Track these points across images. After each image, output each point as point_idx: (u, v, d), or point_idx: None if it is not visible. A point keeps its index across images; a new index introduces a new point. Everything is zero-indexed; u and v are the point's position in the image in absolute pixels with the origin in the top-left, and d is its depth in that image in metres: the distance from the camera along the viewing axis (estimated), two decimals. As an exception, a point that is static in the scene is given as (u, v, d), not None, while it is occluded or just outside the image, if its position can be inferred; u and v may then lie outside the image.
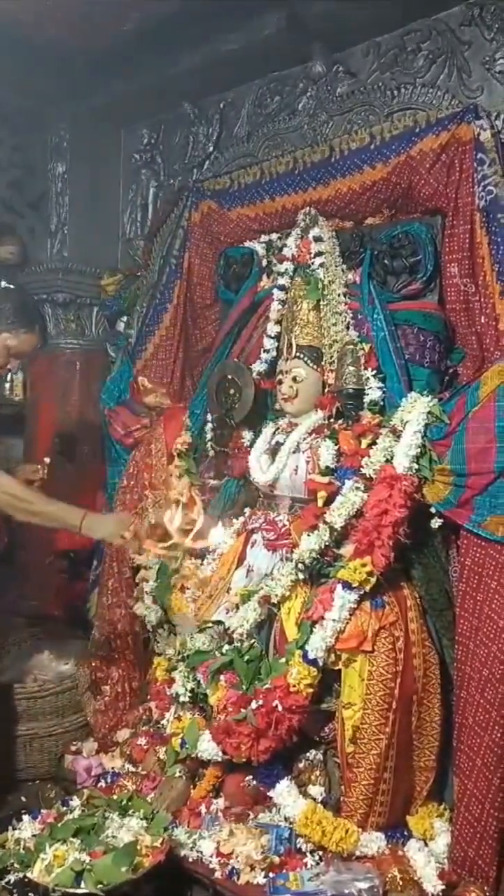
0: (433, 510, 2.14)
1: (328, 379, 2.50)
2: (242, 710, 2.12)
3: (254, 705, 2.11)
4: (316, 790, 2.17)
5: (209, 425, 2.89)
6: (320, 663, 2.10)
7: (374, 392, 2.36)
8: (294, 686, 2.08)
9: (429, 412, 2.18)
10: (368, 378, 2.37)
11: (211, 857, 2.08)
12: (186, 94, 3.35)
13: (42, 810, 2.10)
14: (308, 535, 2.25)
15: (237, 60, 3.05)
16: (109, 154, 3.76)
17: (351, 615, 2.10)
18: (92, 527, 2.32)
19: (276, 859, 2.04)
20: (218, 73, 3.16)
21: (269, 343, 2.74)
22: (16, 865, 1.88)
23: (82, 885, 1.77)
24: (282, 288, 2.69)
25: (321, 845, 2.05)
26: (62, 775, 2.64)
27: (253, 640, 2.29)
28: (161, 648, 2.56)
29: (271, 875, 2.00)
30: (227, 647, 2.32)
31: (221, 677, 2.26)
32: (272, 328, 2.72)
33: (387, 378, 2.37)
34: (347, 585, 2.10)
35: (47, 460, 2.76)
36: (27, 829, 1.99)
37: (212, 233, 3.02)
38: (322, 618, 2.11)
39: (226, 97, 3.31)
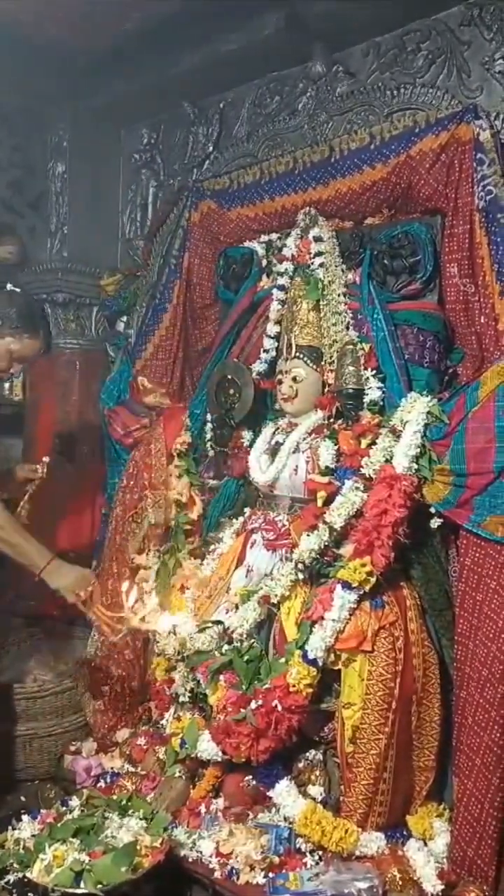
0: (433, 510, 2.15)
1: (328, 379, 2.50)
2: (242, 710, 2.12)
3: (253, 705, 2.11)
4: (315, 790, 2.17)
5: (209, 425, 2.89)
6: (320, 663, 2.10)
7: (373, 392, 2.36)
8: (294, 686, 2.08)
9: (428, 412, 2.18)
10: (368, 378, 2.37)
11: (210, 857, 2.08)
12: (186, 94, 3.35)
13: (41, 810, 2.10)
14: (308, 535, 2.25)
15: (237, 60, 3.05)
16: (109, 154, 3.76)
17: (350, 615, 2.11)
18: (53, 574, 2.26)
19: (276, 859, 2.04)
20: (218, 73, 3.16)
21: (268, 343, 2.74)
22: (15, 865, 1.88)
23: (82, 885, 1.76)
24: (281, 288, 2.69)
25: (321, 845, 2.05)
26: (62, 775, 2.64)
27: (252, 640, 2.29)
28: (160, 648, 2.56)
29: (271, 875, 2.00)
30: (226, 647, 2.32)
31: (221, 677, 2.26)
32: (272, 328, 2.72)
33: (386, 378, 2.37)
34: (347, 585, 2.10)
35: (46, 459, 2.75)
36: (27, 829, 1.99)
37: (211, 233, 3.02)
38: (322, 618, 2.11)
39: (226, 97, 3.31)
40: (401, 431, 2.20)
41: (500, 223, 2.20)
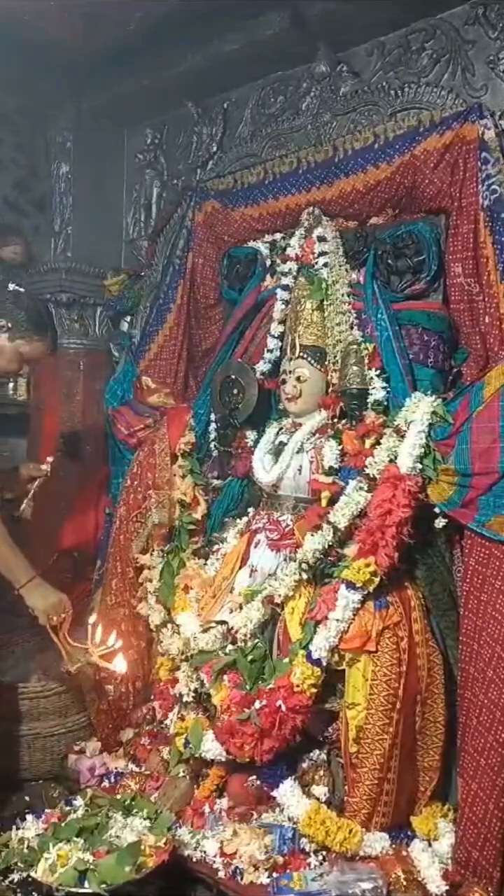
0: (437, 510, 2.14)
1: (332, 379, 2.50)
2: (246, 710, 2.12)
3: (257, 705, 2.11)
4: (319, 790, 2.17)
5: (213, 425, 2.89)
6: (324, 663, 2.10)
7: (377, 392, 2.36)
8: (298, 686, 2.08)
9: (433, 412, 2.18)
10: (372, 378, 2.37)
11: (214, 856, 2.08)
12: (190, 94, 3.35)
13: (46, 810, 2.10)
14: (312, 535, 2.25)
15: (240, 60, 3.05)
16: (113, 154, 3.77)
17: (355, 615, 2.11)
18: (32, 593, 2.28)
19: (280, 859, 2.04)
20: (221, 73, 3.16)
21: (272, 343, 2.74)
22: (19, 865, 1.88)
23: (86, 884, 1.77)
24: (285, 288, 2.69)
25: (325, 845, 2.05)
26: (66, 775, 2.64)
27: (256, 640, 2.29)
28: (164, 648, 2.56)
29: (275, 875, 2.00)
30: (230, 647, 2.33)
31: (225, 677, 2.26)
32: (276, 328, 2.72)
33: (391, 378, 2.36)
34: (351, 585, 2.09)
35: (50, 459, 2.76)
36: (31, 828, 1.99)
37: (215, 233, 3.02)
38: (326, 618, 2.11)
39: (229, 97, 3.31)
40: (405, 431, 2.19)
41: (505, 222, 2.20)
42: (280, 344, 2.72)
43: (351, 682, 2.11)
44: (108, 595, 2.83)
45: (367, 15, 2.69)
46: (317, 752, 2.24)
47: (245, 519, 2.69)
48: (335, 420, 2.49)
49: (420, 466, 2.14)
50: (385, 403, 2.36)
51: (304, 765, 2.23)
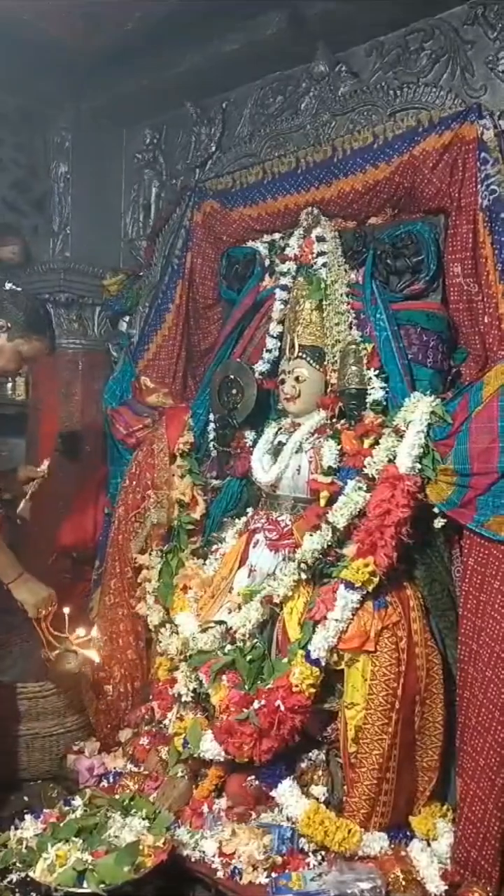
0: (436, 510, 2.14)
1: (331, 379, 2.50)
2: (245, 710, 2.12)
3: (256, 705, 2.11)
4: (318, 790, 2.17)
5: (211, 425, 2.89)
6: (323, 663, 2.10)
7: (376, 392, 2.36)
8: (296, 686, 2.08)
9: (432, 412, 2.18)
10: (371, 378, 2.37)
11: (213, 856, 2.08)
12: (189, 94, 3.35)
13: (44, 810, 2.11)
14: (310, 535, 2.25)
15: (239, 60, 3.05)
16: (112, 154, 3.77)
17: (353, 615, 2.10)
18: (20, 588, 2.37)
19: (279, 859, 2.04)
20: (220, 73, 3.16)
21: (271, 343, 2.74)
22: (18, 865, 1.88)
23: (84, 884, 1.77)
24: (284, 288, 2.69)
25: (324, 845, 2.05)
26: (64, 775, 2.64)
27: (255, 640, 2.29)
28: (163, 648, 2.56)
29: (274, 875, 2.00)
30: (229, 646, 2.32)
31: (224, 677, 2.26)
32: (275, 328, 2.72)
33: (389, 378, 2.36)
34: (350, 585, 2.09)
35: (47, 462, 2.78)
36: (29, 828, 1.99)
37: (214, 233, 3.02)
38: (325, 618, 2.11)
39: (228, 97, 3.31)
40: (404, 431, 2.19)
41: (504, 222, 2.21)
42: (279, 344, 2.72)
43: (350, 682, 2.11)
44: (107, 595, 2.83)
45: (366, 15, 2.69)
46: (315, 752, 2.24)
47: (244, 519, 2.69)
48: (334, 420, 2.49)
49: (419, 466, 2.14)
50: (384, 403, 2.36)
51: (303, 765, 2.23)
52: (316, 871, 1.98)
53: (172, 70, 3.21)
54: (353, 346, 2.40)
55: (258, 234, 2.91)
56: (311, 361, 2.52)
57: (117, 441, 3.04)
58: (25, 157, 3.63)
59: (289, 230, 2.77)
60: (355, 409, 2.39)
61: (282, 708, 2.07)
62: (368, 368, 2.37)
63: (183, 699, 2.39)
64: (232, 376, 2.73)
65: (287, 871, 2.01)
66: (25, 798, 2.47)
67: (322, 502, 2.33)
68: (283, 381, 2.58)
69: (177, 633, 2.52)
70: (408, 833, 2.13)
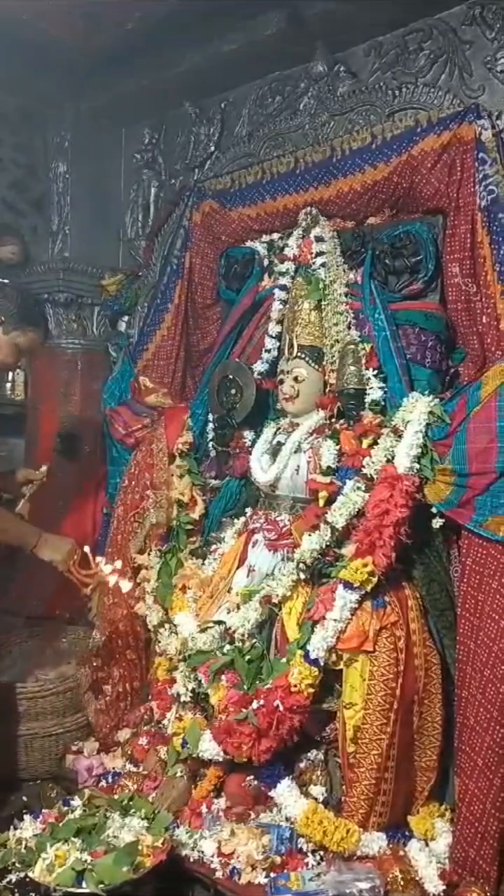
0: (434, 510, 2.14)
1: (329, 379, 2.50)
2: (244, 710, 2.12)
3: (255, 705, 2.11)
4: (317, 790, 2.17)
5: (210, 425, 2.89)
6: (321, 663, 2.10)
7: (375, 392, 2.36)
8: (295, 686, 2.08)
9: (430, 412, 2.18)
10: (370, 378, 2.37)
11: (212, 856, 2.08)
12: (188, 94, 3.35)
13: (43, 810, 2.10)
14: (309, 535, 2.25)
15: (238, 60, 3.04)
16: (111, 154, 3.76)
17: (352, 615, 2.10)
18: (44, 548, 2.39)
19: (278, 859, 2.04)
20: (219, 73, 3.16)
21: (270, 343, 2.74)
22: (17, 865, 1.88)
23: (83, 884, 1.77)
24: (283, 288, 2.69)
25: (322, 845, 2.05)
26: (63, 775, 2.64)
27: (254, 640, 2.29)
28: (162, 648, 2.56)
29: (272, 875, 2.00)
30: (228, 646, 2.32)
31: (223, 677, 2.26)
32: (273, 328, 2.72)
33: (388, 378, 2.37)
34: (349, 585, 2.09)
35: (45, 467, 2.78)
36: (28, 828, 1.99)
37: (213, 232, 3.02)
38: (323, 618, 2.11)
39: (227, 97, 3.30)
40: (402, 431, 2.19)
41: (502, 223, 2.21)
42: (278, 344, 2.72)
43: (348, 681, 2.11)
44: (106, 594, 2.83)
45: (364, 15, 2.69)
46: (314, 752, 2.24)
47: (243, 519, 2.69)
48: (333, 420, 2.49)
49: (417, 466, 2.14)
50: (382, 403, 2.36)
51: (302, 765, 2.23)
52: (314, 870, 1.98)
53: (172, 70, 3.21)
54: (352, 346, 2.40)
55: (257, 234, 2.91)
56: (310, 361, 2.52)
57: (116, 441, 3.04)
58: (25, 157, 3.63)
59: (287, 230, 2.77)
60: (354, 409, 2.39)
61: (280, 708, 2.07)
62: (367, 368, 2.38)
63: (182, 699, 2.39)
64: (231, 376, 2.73)
65: (286, 870, 2.01)
66: (24, 798, 2.47)
67: (321, 502, 2.34)
68: (281, 381, 2.58)
69: (176, 633, 2.52)
70: (406, 833, 2.13)
